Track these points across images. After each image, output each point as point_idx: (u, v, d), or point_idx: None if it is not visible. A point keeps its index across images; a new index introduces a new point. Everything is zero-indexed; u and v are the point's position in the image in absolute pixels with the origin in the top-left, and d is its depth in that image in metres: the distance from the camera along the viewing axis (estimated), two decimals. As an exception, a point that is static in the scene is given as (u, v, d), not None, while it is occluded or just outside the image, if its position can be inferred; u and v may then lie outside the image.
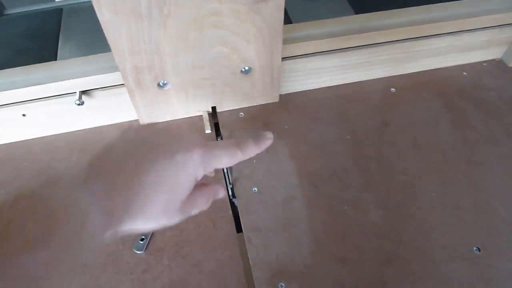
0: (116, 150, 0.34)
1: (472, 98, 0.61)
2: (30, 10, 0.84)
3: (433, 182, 0.53)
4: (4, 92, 0.52)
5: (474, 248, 0.47)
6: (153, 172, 0.33)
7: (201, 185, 0.39)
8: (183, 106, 0.57)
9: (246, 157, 0.39)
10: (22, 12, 0.84)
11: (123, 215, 0.32)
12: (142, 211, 0.33)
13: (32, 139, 0.58)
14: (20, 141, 0.58)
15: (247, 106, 0.60)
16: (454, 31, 0.59)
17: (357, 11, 0.76)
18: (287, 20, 0.75)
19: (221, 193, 0.40)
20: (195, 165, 0.36)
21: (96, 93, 0.54)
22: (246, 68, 0.54)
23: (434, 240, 0.48)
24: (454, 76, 0.64)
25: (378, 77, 0.63)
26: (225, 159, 0.38)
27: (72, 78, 0.52)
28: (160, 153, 0.35)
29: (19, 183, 0.53)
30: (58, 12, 0.81)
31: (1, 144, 0.58)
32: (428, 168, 0.54)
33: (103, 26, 0.43)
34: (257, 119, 0.59)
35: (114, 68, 0.51)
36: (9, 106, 0.53)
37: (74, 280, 0.45)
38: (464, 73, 0.65)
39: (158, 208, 0.34)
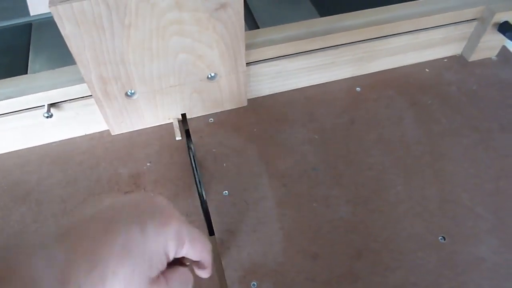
0: (86, 210, 0.31)
1: (434, 93, 0.63)
2: (-1, 26, 0.84)
3: (399, 176, 0.54)
4: (-28, 108, 0.52)
5: (440, 237, 0.49)
6: (120, 236, 0.30)
7: (179, 263, 0.35)
8: (152, 114, 0.58)
9: (206, 262, 0.36)
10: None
11: (81, 284, 0.28)
12: (103, 282, 0.29)
13: (4, 153, 0.58)
14: (-9, 157, 0.58)
15: (216, 111, 0.61)
16: (412, 30, 0.61)
17: (322, 14, 0.78)
18: (254, 25, 0.76)
19: (204, 275, 0.37)
20: (167, 238, 0.32)
21: (65, 105, 0.55)
22: (212, 74, 0.55)
23: (401, 231, 0.50)
24: (417, 73, 0.66)
25: (343, 77, 0.65)
26: (199, 245, 0.34)
27: (40, 91, 0.52)
28: (132, 217, 0.31)
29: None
30: (27, 27, 0.81)
31: (-27, 161, 0.58)
32: (394, 162, 0.56)
33: (65, 39, 0.44)
34: (226, 124, 0.60)
35: (82, 80, 0.52)
36: (-22, 123, 0.54)
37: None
38: (426, 70, 0.67)
39: (121, 281, 0.30)
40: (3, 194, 0.54)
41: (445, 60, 0.68)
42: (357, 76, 0.66)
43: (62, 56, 0.74)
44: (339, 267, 0.47)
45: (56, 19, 0.42)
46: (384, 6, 0.62)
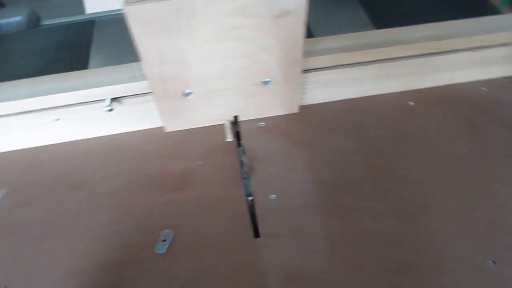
0: None
1: (490, 113, 0.62)
2: (64, 22, 0.88)
3: (449, 194, 0.53)
4: (40, 97, 0.55)
5: (489, 261, 0.48)
6: None
7: None
8: (205, 114, 0.59)
9: None
10: (56, 23, 0.89)
11: None
12: None
13: (63, 142, 0.61)
14: (52, 145, 0.61)
15: (268, 116, 0.62)
16: (472, 47, 0.60)
17: (376, 26, 0.78)
18: (309, 34, 0.77)
19: None
20: None
21: (125, 100, 0.57)
22: (268, 79, 0.56)
23: (448, 251, 0.49)
24: (473, 91, 0.65)
25: (397, 90, 0.65)
26: None
27: (103, 86, 0.55)
28: None
29: (49, 184, 0.56)
30: (90, 24, 0.85)
31: (34, 147, 0.61)
32: (444, 181, 0.55)
33: (135, 38, 0.46)
34: (277, 129, 0.61)
35: (142, 77, 0.54)
36: (43, 111, 0.57)
37: (99, 278, 0.47)
38: (484, 89, 0.65)
39: None
40: (59, 182, 0.57)
41: (505, 80, 0.66)
42: (411, 90, 0.65)
43: (120, 53, 0.77)
44: (380, 281, 0.47)
45: (128, 18, 0.44)
46: (443, 22, 0.61)
